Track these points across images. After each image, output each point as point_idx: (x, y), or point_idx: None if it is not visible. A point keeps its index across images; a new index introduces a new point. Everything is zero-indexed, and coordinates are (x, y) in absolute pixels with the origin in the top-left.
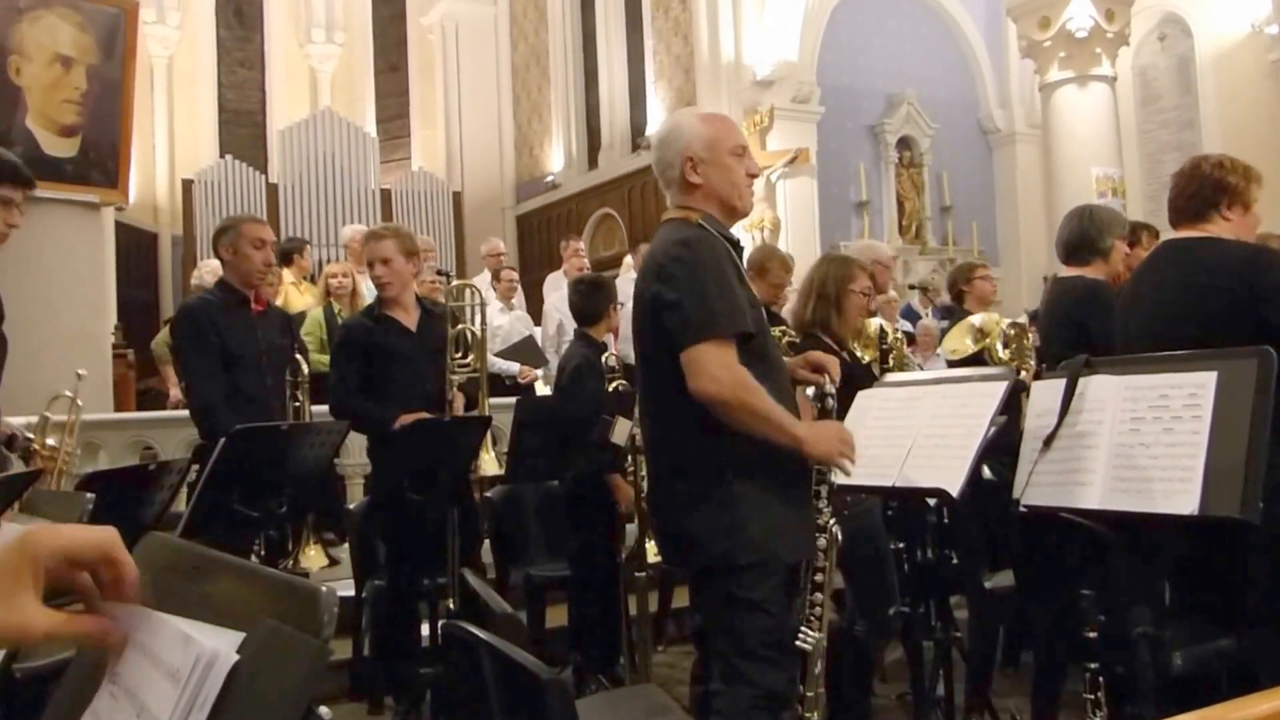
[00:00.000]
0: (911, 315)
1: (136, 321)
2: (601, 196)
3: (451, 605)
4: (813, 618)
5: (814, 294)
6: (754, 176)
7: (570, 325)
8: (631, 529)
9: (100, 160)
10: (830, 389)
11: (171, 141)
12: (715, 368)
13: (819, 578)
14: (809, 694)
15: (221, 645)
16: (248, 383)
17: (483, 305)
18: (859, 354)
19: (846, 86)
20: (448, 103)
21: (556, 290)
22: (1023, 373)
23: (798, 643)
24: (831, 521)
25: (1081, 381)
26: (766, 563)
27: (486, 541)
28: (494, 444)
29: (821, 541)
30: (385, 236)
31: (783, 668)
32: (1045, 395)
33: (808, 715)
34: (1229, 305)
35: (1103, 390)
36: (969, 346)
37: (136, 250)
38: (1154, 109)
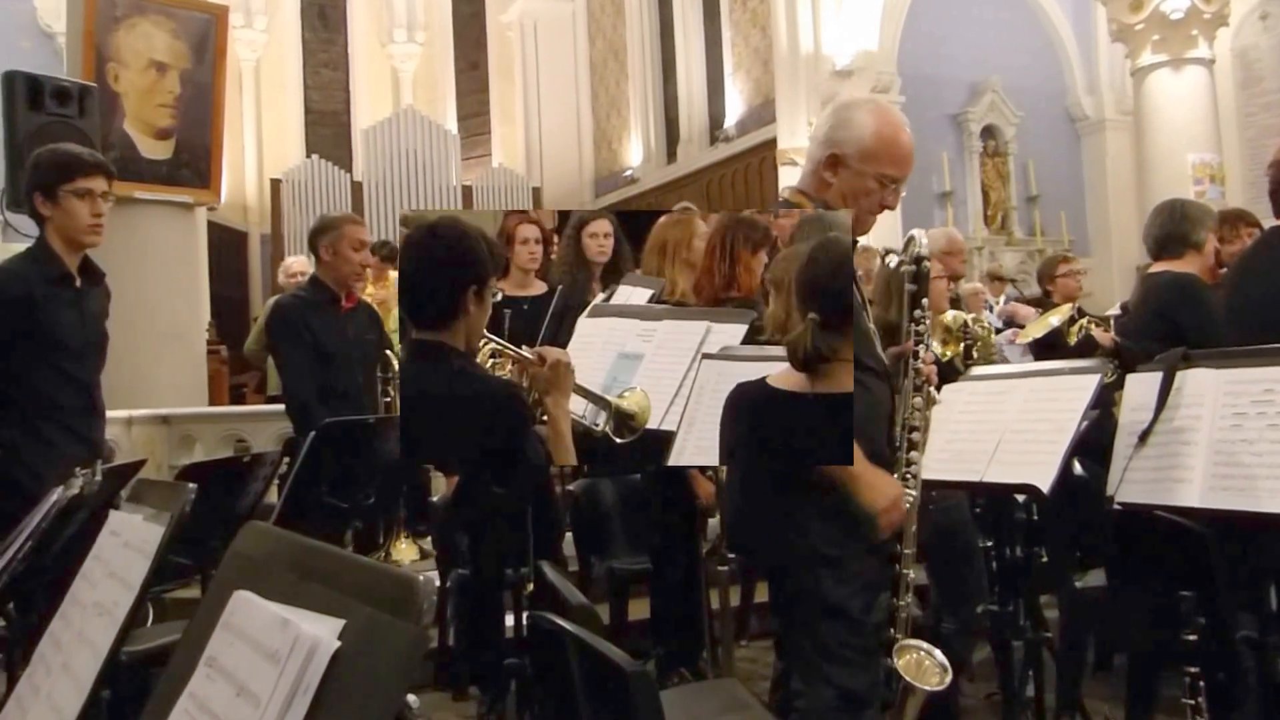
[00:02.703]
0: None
1: (228, 318)
2: (680, 190)
3: (531, 596)
4: (909, 475)
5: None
6: (885, 209)
7: None
8: (713, 523)
9: (193, 162)
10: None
11: (260, 142)
12: None
13: (915, 436)
14: (906, 551)
15: (323, 633)
16: (340, 379)
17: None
18: (939, 351)
19: (928, 75)
20: (527, 99)
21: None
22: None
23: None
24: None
25: (1179, 375)
26: (848, 559)
27: (569, 534)
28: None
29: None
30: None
31: (865, 669)
32: (1141, 389)
33: (906, 571)
34: None
35: (1202, 384)
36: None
37: (227, 248)
38: (1255, 91)
